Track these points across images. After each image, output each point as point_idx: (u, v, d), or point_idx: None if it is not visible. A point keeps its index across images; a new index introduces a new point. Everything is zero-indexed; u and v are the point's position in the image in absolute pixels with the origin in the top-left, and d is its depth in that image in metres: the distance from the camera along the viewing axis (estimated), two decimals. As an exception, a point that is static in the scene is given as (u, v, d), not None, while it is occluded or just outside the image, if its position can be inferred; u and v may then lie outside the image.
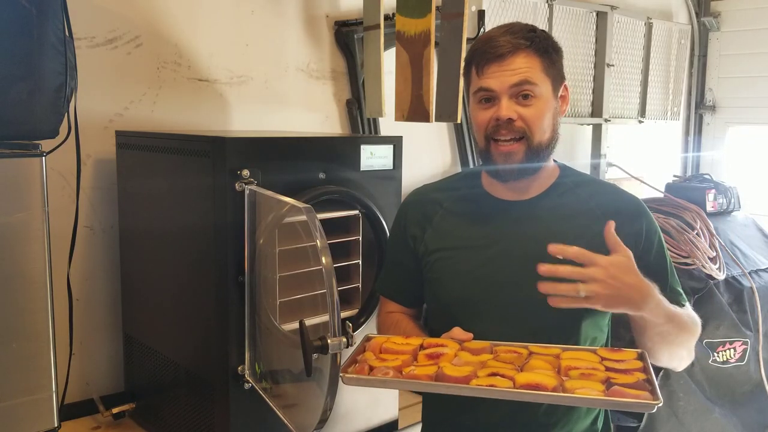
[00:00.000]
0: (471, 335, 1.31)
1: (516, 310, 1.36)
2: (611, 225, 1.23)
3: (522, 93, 1.31)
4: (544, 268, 1.18)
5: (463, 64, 1.94)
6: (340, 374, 1.22)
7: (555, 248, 1.19)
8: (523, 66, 1.31)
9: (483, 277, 1.38)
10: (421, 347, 1.30)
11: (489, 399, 1.17)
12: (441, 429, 1.50)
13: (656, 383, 1.13)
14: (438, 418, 1.50)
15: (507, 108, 1.31)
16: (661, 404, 1.08)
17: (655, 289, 1.25)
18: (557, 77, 1.37)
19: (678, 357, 1.40)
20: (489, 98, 1.33)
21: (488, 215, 1.43)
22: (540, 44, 1.33)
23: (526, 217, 1.40)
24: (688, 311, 1.38)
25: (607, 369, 1.19)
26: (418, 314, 1.57)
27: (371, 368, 1.22)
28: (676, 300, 1.37)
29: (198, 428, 1.69)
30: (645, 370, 1.19)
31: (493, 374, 1.16)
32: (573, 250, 1.18)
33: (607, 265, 1.18)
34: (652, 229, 1.40)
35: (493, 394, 1.13)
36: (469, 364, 1.21)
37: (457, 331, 1.32)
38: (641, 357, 1.25)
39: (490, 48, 1.32)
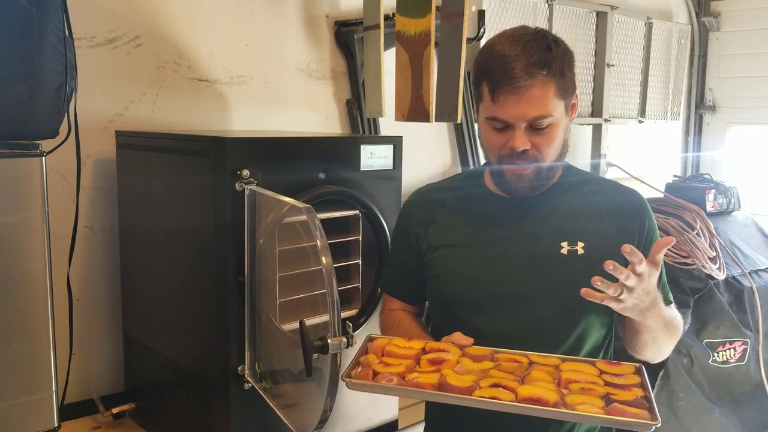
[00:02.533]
0: (472, 340, 1.31)
1: (518, 307, 1.36)
2: (669, 241, 1.21)
3: (536, 125, 1.30)
4: (598, 298, 1.16)
5: (463, 63, 1.96)
6: (345, 379, 1.22)
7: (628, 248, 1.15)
8: (539, 96, 1.28)
9: (485, 273, 1.39)
10: (423, 351, 1.31)
11: None
12: (444, 426, 1.50)
13: (654, 401, 1.14)
14: (441, 415, 1.50)
15: (521, 139, 1.30)
16: (659, 425, 1.08)
17: (660, 299, 1.27)
18: (570, 91, 1.34)
19: (661, 355, 1.42)
20: (502, 127, 1.32)
21: (491, 213, 1.44)
22: (556, 67, 1.29)
23: (530, 215, 1.41)
24: (673, 311, 1.39)
25: (606, 383, 1.21)
26: (420, 311, 1.58)
27: (375, 373, 1.23)
28: (665, 296, 1.39)
29: (198, 428, 1.69)
30: (643, 386, 1.21)
31: (495, 385, 1.17)
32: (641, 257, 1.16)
33: (646, 279, 1.17)
34: (653, 226, 1.43)
35: (496, 406, 1.14)
36: (471, 372, 1.22)
37: (458, 336, 1.32)
38: (639, 372, 1.26)
39: (505, 76, 1.27)
